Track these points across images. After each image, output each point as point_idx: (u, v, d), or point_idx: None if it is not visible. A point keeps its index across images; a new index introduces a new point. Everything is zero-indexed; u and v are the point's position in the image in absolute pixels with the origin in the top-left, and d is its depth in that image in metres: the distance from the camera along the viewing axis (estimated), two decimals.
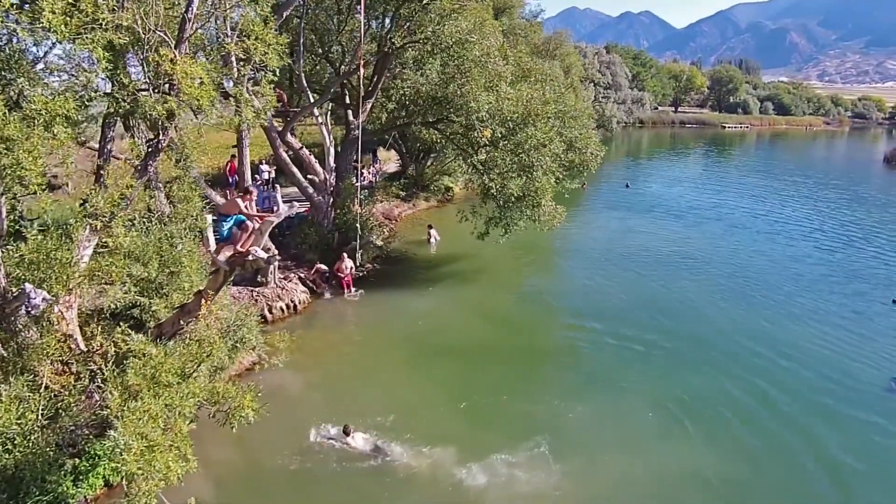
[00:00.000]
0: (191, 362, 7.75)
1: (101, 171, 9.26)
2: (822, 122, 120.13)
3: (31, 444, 8.45)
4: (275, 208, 9.03)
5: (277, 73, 9.89)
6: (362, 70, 14.15)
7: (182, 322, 9.33)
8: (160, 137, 8.85)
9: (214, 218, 9.02)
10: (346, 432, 10.76)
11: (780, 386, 13.50)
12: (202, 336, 8.10)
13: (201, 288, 9.65)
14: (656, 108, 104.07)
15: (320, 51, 22.11)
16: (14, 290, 8.23)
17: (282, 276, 17.02)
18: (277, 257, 8.21)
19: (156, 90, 8.93)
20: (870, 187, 45.37)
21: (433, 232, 23.66)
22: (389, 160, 33.59)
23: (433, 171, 31.77)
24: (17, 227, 9.28)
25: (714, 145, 75.22)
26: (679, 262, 22.91)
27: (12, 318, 8.70)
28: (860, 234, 28.49)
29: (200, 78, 8.21)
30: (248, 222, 8.67)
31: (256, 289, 16.05)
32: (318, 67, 23.98)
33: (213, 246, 15.04)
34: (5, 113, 6.45)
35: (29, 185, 6.79)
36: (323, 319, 16.40)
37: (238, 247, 8.77)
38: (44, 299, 7.44)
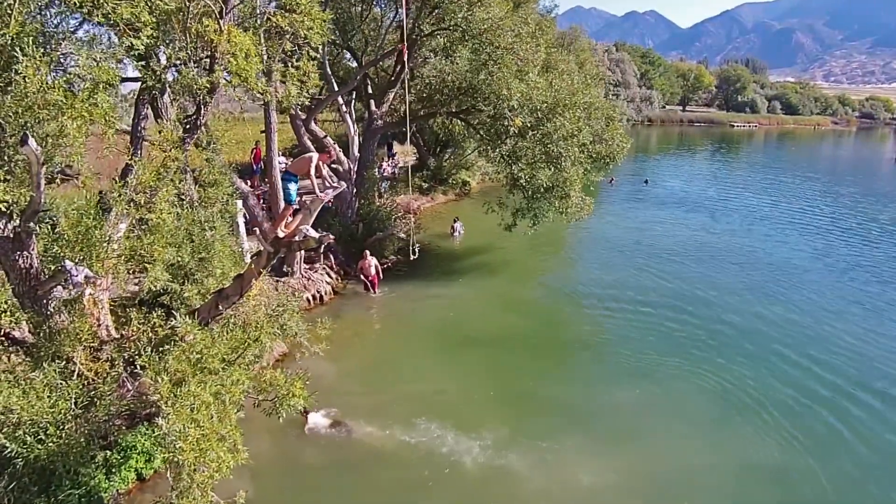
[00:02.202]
0: (237, 348, 7.30)
1: (137, 149, 8.83)
2: (830, 121, 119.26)
3: (64, 435, 8.03)
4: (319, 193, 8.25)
5: (319, 50, 9.45)
6: (406, 52, 13.68)
7: (220, 307, 8.89)
8: (201, 112, 8.42)
9: (283, 178, 8.44)
10: (305, 412, 10.30)
11: (819, 376, 13.14)
12: (248, 320, 7.63)
13: (239, 273, 9.22)
14: (664, 107, 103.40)
15: (340, 40, 21.72)
16: (49, 268, 7.79)
17: (307, 267, 16.61)
18: (331, 236, 7.67)
19: (196, 63, 8.52)
20: (884, 185, 44.96)
21: (458, 225, 23.36)
22: (405, 154, 33.22)
23: (451, 164, 31.41)
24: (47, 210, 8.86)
25: (724, 143, 74.59)
26: (705, 254, 22.50)
27: (44, 301, 8.28)
28: (881, 229, 27.96)
29: (247, 51, 7.77)
30: (293, 203, 8.14)
31: (282, 279, 15.64)
32: (338, 57, 23.61)
33: (243, 231, 14.72)
34: (51, 77, 6.03)
35: (71, 155, 6.33)
36: (350, 310, 15.96)
37: (281, 227, 8.32)
38: (86, 276, 7.00)
